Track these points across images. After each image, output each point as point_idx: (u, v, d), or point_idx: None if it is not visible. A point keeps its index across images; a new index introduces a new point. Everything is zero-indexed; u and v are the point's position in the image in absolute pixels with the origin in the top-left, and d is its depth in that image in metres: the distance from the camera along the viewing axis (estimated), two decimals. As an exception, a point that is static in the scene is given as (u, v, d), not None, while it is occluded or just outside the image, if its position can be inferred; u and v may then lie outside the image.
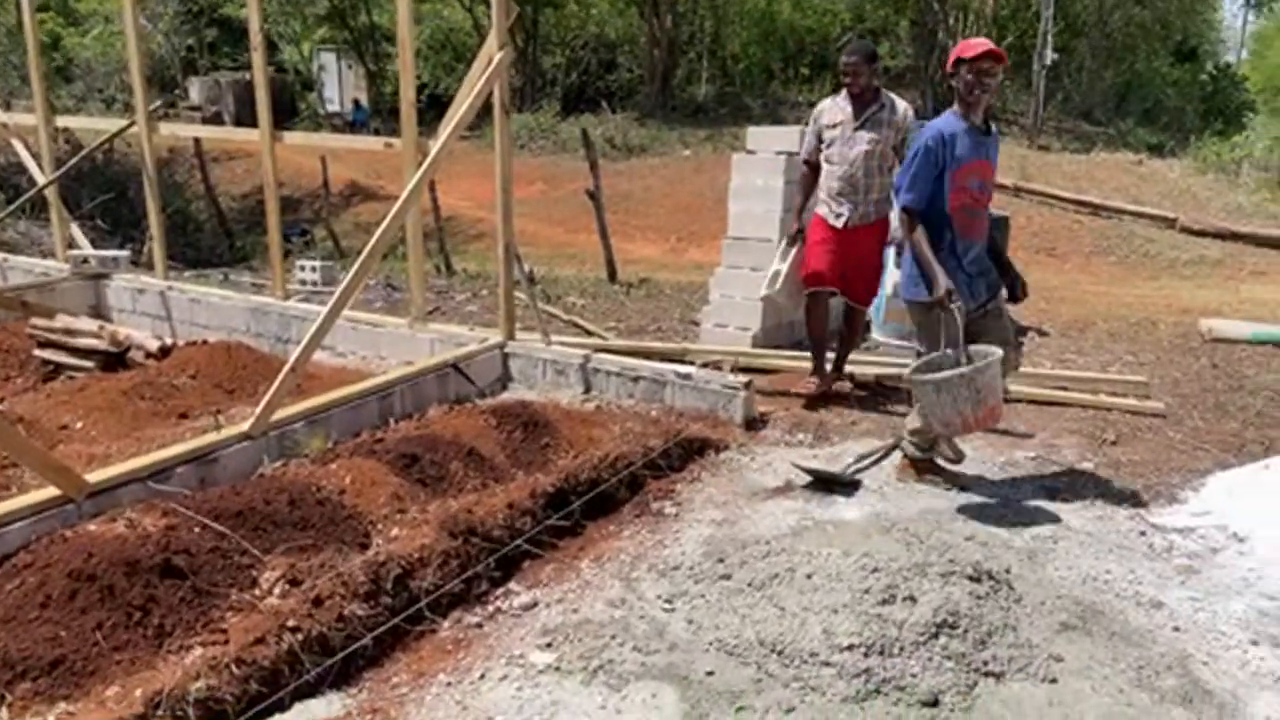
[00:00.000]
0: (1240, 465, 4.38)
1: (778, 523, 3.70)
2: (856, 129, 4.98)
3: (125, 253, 7.90)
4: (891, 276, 5.29)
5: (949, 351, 3.81)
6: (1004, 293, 4.08)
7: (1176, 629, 3.05)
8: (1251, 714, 2.63)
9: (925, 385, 3.72)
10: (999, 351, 3.76)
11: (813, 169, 5.18)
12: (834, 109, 5.09)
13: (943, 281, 3.77)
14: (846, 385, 5.37)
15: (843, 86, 5.08)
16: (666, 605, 3.09)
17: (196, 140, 13.25)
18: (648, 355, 5.60)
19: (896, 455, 4.34)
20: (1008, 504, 3.96)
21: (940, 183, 3.87)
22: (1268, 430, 5.00)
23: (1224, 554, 3.57)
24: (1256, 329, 7.14)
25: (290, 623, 2.74)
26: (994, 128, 4.05)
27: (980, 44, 3.88)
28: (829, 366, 5.35)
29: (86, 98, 20.58)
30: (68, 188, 8.87)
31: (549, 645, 2.86)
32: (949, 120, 3.93)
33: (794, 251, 5.22)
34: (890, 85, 21.91)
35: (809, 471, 4.12)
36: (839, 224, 5.03)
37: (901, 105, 5.04)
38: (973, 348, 3.81)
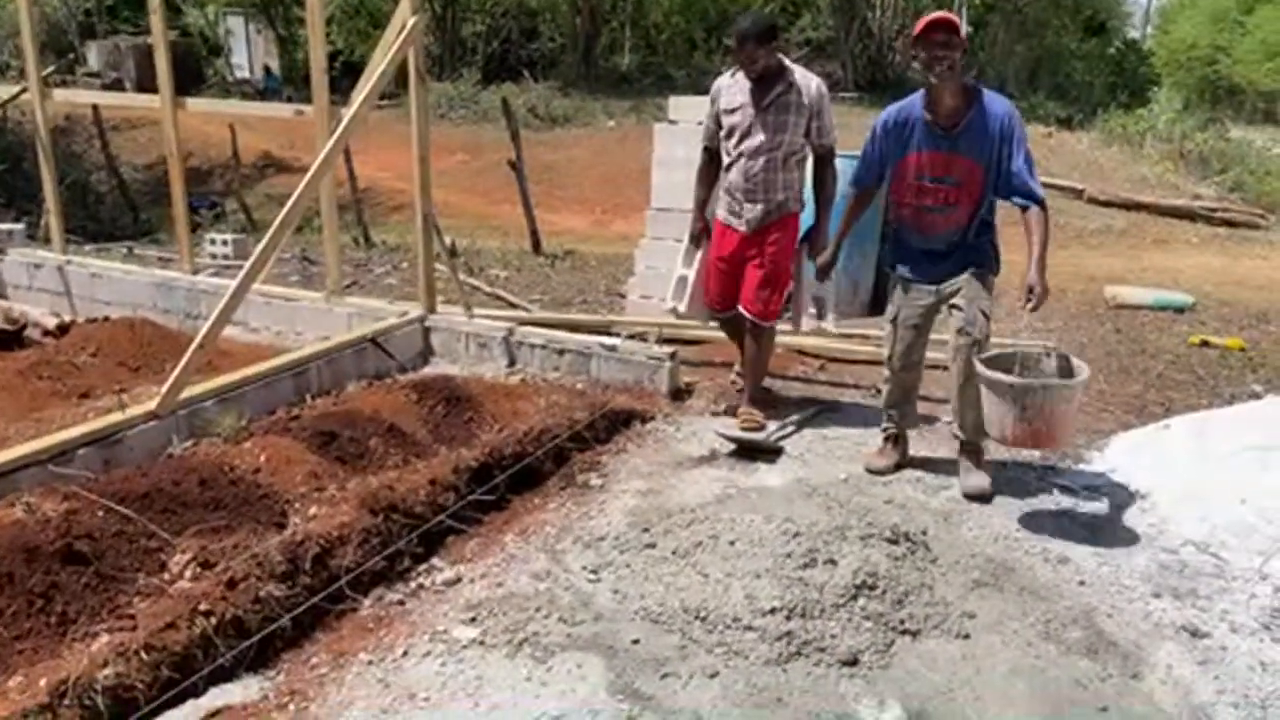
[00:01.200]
0: (1142, 426, 4.57)
1: (702, 491, 3.72)
2: (759, 115, 4.27)
3: (20, 226, 7.50)
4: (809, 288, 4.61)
5: (1041, 355, 3.58)
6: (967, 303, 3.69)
7: (1082, 583, 3.18)
8: (1154, 663, 2.76)
9: (980, 378, 3.50)
10: (1082, 377, 3.43)
11: (714, 157, 4.51)
12: (733, 90, 4.35)
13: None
14: (760, 426, 4.37)
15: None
16: (592, 576, 3.09)
17: (95, 108, 12.62)
18: (573, 328, 5.57)
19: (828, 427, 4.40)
20: (924, 467, 4.05)
21: (893, 166, 3.78)
22: (1167, 392, 5.23)
23: (1127, 511, 3.72)
24: (1158, 295, 7.45)
25: (203, 606, 2.65)
26: (973, 116, 3.60)
27: (929, 16, 3.61)
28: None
29: (-25, 63, 19.42)
30: (-45, 158, 8.37)
31: (473, 620, 2.83)
32: (906, 105, 3.72)
33: (699, 255, 4.65)
34: (811, 57, 21.79)
35: (733, 439, 4.15)
36: (744, 228, 4.39)
37: (812, 83, 4.28)
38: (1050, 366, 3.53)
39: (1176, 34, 29.98)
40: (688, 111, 6.23)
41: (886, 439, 4.09)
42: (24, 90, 6.39)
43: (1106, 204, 12.57)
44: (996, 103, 3.67)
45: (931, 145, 3.67)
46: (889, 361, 4.00)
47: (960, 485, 3.83)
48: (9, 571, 2.67)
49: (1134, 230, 11.71)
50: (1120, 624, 2.95)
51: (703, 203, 4.65)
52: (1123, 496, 3.83)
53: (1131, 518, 3.67)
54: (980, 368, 3.50)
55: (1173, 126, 16.09)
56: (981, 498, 3.75)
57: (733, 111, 4.34)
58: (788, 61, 4.32)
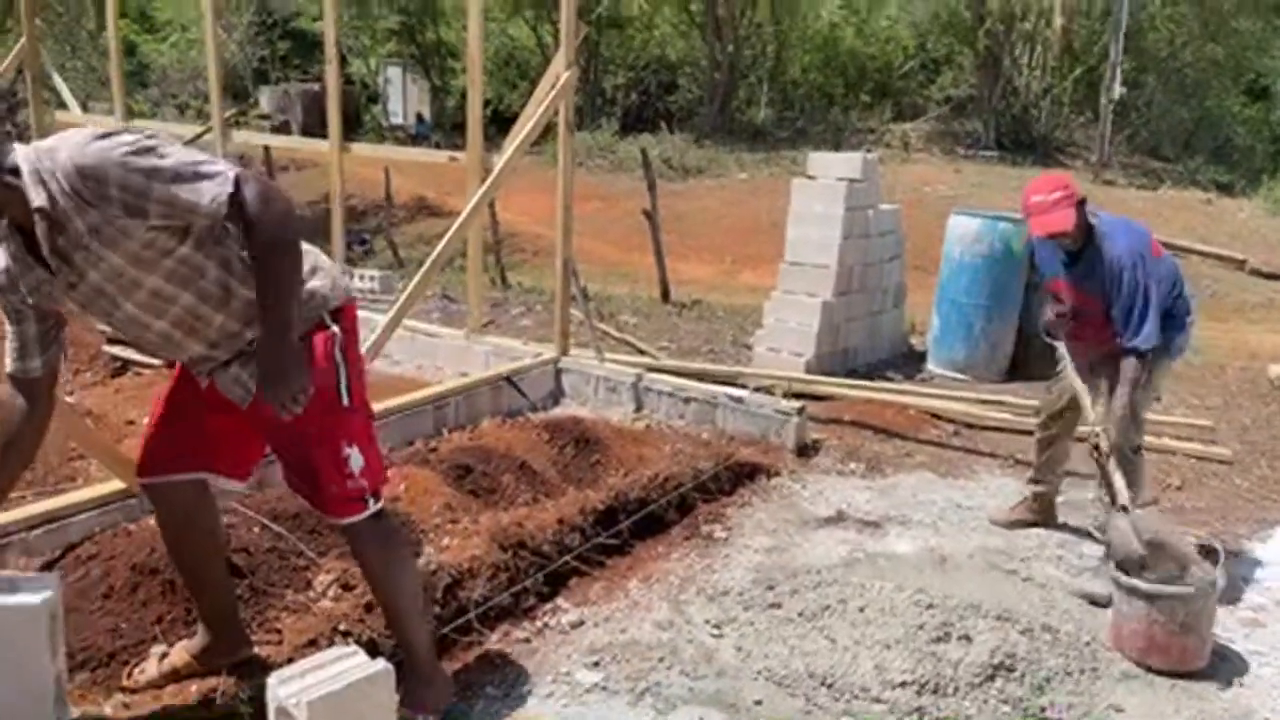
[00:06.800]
0: (1311, 517, 4.23)
1: (829, 553, 3.65)
2: None
3: (193, 254, 8.08)
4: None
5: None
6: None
7: (1240, 683, 2.95)
8: (1321, 778, 2.53)
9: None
10: (1199, 588, 2.98)
11: None
12: None
13: None
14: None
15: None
16: (715, 631, 3.06)
17: (266, 149, 13.56)
18: (700, 376, 5.59)
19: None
20: (1065, 545, 3.86)
21: None
22: (1341, 482, 4.82)
23: (1293, 609, 3.44)
24: (1329, 376, 6.90)
25: (341, 626, 2.77)
26: (1091, 253, 3.42)
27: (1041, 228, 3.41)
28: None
29: (161, 103, 21.23)
30: (141, 190, 9.12)
31: (596, 664, 2.85)
32: None
33: None
34: (952, 115, 21.19)
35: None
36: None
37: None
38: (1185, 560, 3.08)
39: (1351, 99, 28.05)
40: (827, 168, 6.24)
41: (1028, 496, 4.01)
42: (207, 130, 6.94)
43: (1270, 276, 11.79)
44: (1115, 241, 3.42)
45: (1066, 274, 3.58)
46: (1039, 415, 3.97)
47: (1079, 582, 3.48)
48: (171, 578, 2.85)
49: (1301, 305, 10.92)
50: (1284, 732, 2.72)
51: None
52: (1288, 593, 3.54)
53: (1298, 617, 3.39)
54: (1117, 569, 3.07)
55: (1345, 197, 15.03)
56: (1094, 602, 3.33)
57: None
58: None
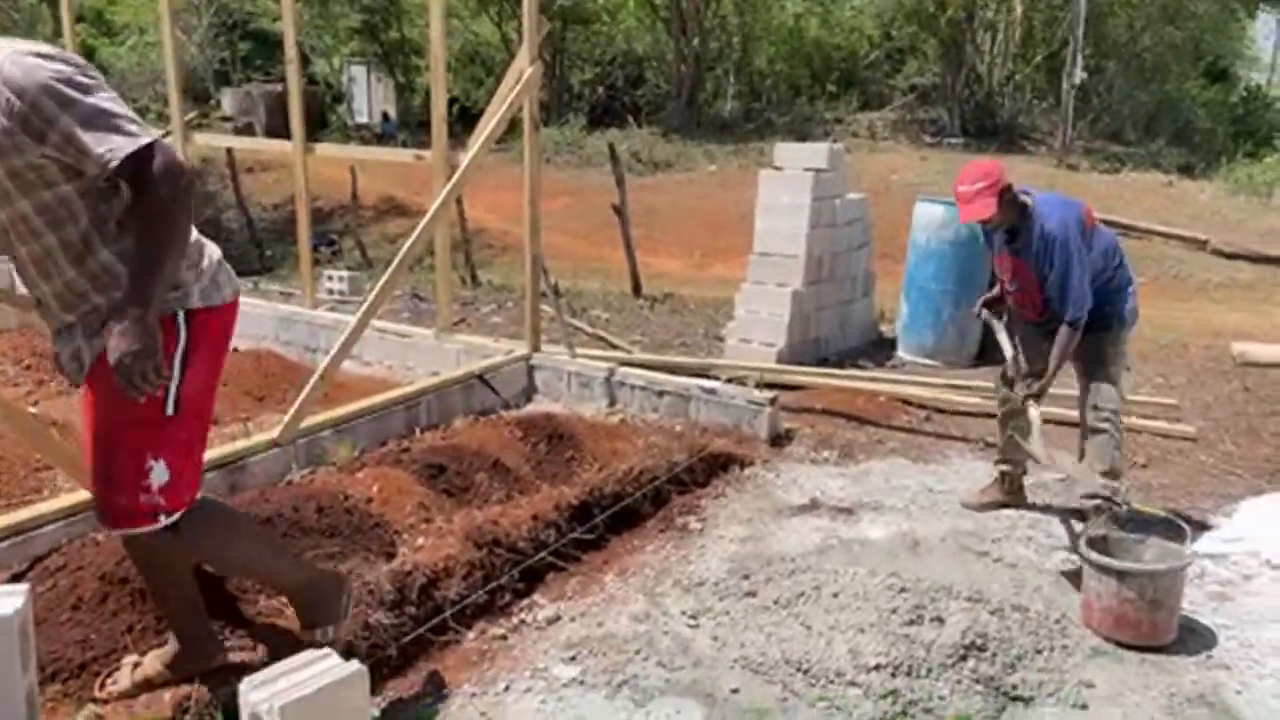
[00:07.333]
0: (1273, 491, 4.31)
1: (803, 540, 3.68)
2: None
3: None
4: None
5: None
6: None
7: (1209, 656, 3.01)
8: (1286, 745, 2.59)
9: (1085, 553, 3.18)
10: (1176, 565, 3.10)
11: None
12: None
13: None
14: None
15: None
16: (691, 621, 3.08)
17: (229, 151, 13.40)
18: (672, 370, 5.61)
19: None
20: (1036, 525, 3.91)
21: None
22: (1302, 456, 4.92)
23: (1257, 581, 3.51)
24: (1290, 353, 7.02)
25: (316, 630, 2.75)
26: (1025, 231, 3.60)
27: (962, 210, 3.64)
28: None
29: (121, 107, 20.91)
30: (103, 195, 8.98)
31: (573, 659, 2.86)
32: None
33: None
34: (918, 104, 21.31)
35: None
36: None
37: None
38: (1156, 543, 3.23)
39: (1306, 80, 28.55)
40: (794, 158, 6.27)
41: (997, 477, 4.08)
42: (167, 134, 6.85)
43: (1232, 256, 12.00)
44: (1049, 218, 3.58)
45: (1007, 249, 3.75)
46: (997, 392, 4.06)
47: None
48: (141, 588, 2.82)
49: (1262, 284, 11.11)
50: (1249, 701, 2.78)
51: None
52: (1253, 566, 3.61)
53: (1262, 588, 3.46)
54: (1086, 546, 3.18)
55: (1304, 176, 15.29)
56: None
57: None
58: None
